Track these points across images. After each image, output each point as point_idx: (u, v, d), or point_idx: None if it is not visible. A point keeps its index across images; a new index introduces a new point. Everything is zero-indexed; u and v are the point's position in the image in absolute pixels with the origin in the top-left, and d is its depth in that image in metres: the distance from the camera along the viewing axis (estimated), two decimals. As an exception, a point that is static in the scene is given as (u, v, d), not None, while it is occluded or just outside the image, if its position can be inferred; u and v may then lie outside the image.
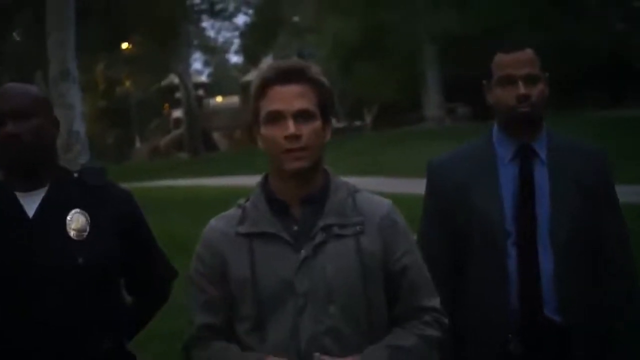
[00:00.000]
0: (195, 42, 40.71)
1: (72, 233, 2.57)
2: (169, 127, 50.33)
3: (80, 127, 15.60)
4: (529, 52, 2.91)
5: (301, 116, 2.39)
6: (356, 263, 2.40)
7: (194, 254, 2.50)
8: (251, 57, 44.30)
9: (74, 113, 15.43)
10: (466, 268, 2.92)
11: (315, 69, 2.46)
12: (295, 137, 2.37)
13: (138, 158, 46.13)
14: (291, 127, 2.37)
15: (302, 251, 2.39)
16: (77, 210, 2.59)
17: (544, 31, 23.43)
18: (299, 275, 2.38)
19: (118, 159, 43.54)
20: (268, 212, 2.43)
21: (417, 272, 2.48)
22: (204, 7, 38.27)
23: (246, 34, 42.67)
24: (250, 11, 41.67)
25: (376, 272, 2.43)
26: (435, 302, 2.50)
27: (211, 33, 43.93)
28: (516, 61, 2.88)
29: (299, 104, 2.40)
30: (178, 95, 43.82)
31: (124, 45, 31.15)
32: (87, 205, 2.61)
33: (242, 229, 2.44)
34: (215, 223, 2.50)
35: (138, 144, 51.45)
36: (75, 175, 2.67)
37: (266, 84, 2.43)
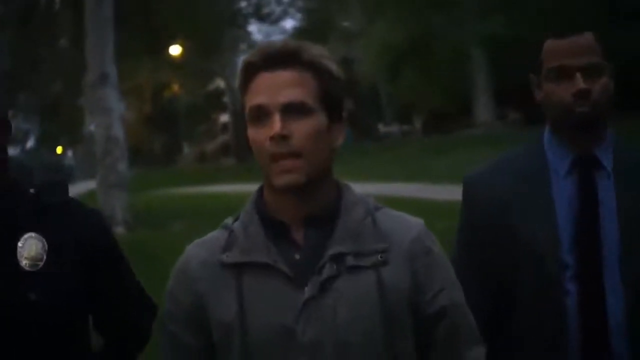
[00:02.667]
0: (242, 46, 40.38)
1: (24, 262, 2.07)
2: (217, 132, 50.12)
3: (119, 132, 15.35)
4: (588, 37, 2.28)
5: (292, 111, 1.85)
6: (377, 304, 1.85)
7: (166, 291, 1.98)
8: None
9: (113, 118, 15.18)
10: (511, 314, 2.32)
11: (316, 50, 1.90)
12: (282, 137, 1.83)
13: (185, 164, 45.92)
14: (276, 124, 1.83)
15: (306, 288, 1.85)
16: (31, 234, 2.09)
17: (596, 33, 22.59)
18: (301, 321, 1.84)
19: (165, 164, 43.40)
20: (262, 236, 1.88)
21: (458, 314, 1.93)
22: (250, 10, 37.97)
23: (294, 38, 42.33)
24: (299, 15, 41.39)
25: (403, 315, 1.88)
26: (480, 353, 1.95)
27: (258, 37, 43.72)
28: (573, 48, 2.26)
29: (288, 95, 1.84)
30: (226, 99, 43.62)
31: (170, 50, 30.87)
32: (44, 228, 2.11)
33: (228, 258, 1.89)
34: (194, 250, 1.96)
35: (186, 150, 51.30)
36: (31, 191, 2.17)
37: (250, 72, 1.88)
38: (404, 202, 14.51)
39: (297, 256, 1.88)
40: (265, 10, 38.52)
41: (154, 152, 47.77)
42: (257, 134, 1.87)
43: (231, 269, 1.89)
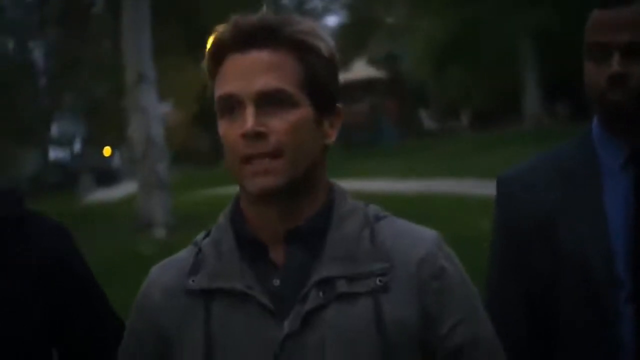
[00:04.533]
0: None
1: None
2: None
3: (158, 132, 15.13)
4: (638, 9, 1.88)
5: (269, 102, 1.51)
6: (375, 341, 1.48)
7: (127, 323, 1.65)
8: (342, 59, 43.55)
9: (151, 118, 14.96)
10: (553, 343, 1.90)
11: (301, 25, 1.55)
12: (257, 135, 1.50)
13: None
14: (249, 119, 1.50)
15: (286, 322, 1.50)
16: (-21, 253, 1.78)
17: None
18: None
19: (212, 164, 43.34)
20: (236, 257, 1.54)
21: (484, 352, 1.53)
22: (292, 6, 37.73)
23: (338, 34, 42.03)
24: (342, 11, 41.03)
25: (409, 356, 1.50)
26: None
27: (302, 34, 43.38)
28: (615, 21, 1.87)
29: (263, 82, 1.50)
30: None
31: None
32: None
33: (195, 284, 1.55)
34: (156, 274, 1.62)
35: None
36: None
37: (219, 52, 1.54)
38: (450, 200, 14.14)
39: (277, 281, 1.53)
40: (308, 6, 38.23)
41: (200, 151, 47.75)
42: (228, 130, 1.52)
43: (198, 297, 1.54)
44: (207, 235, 1.61)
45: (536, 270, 1.89)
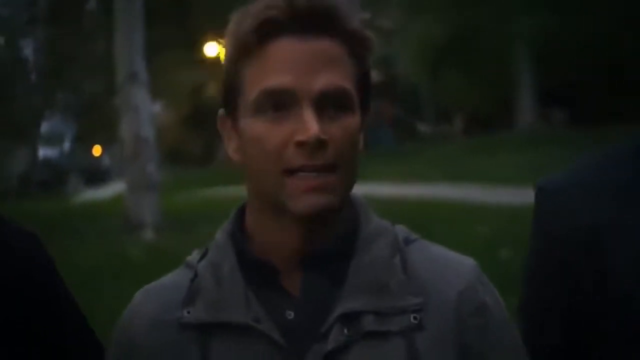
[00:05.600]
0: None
1: None
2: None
3: (148, 132, 14.89)
4: None
5: (328, 103, 1.26)
6: None
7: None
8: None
9: (142, 117, 14.71)
10: None
11: (357, 13, 1.29)
12: (320, 143, 1.24)
13: (220, 164, 45.57)
14: (311, 123, 1.23)
15: None
16: None
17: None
18: None
19: (204, 164, 43.08)
20: (240, 283, 1.29)
21: None
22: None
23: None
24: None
25: None
26: None
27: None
28: None
29: (328, 79, 1.25)
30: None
31: (205, 49, 30.42)
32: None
33: (190, 316, 1.30)
34: (141, 301, 1.36)
35: (223, 149, 51.03)
36: None
37: (266, 32, 1.26)
38: (446, 205, 13.92)
39: (291, 314, 1.29)
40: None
41: (192, 152, 47.50)
42: (269, 132, 1.25)
43: (194, 331, 1.29)
44: (203, 256, 1.35)
45: (581, 294, 1.60)
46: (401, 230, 1.36)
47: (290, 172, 1.24)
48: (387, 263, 1.30)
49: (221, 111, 1.35)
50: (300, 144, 1.23)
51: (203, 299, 1.30)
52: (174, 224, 14.37)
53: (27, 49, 31.41)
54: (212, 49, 31.93)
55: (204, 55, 32.25)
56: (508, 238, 9.05)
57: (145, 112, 14.41)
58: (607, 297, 1.56)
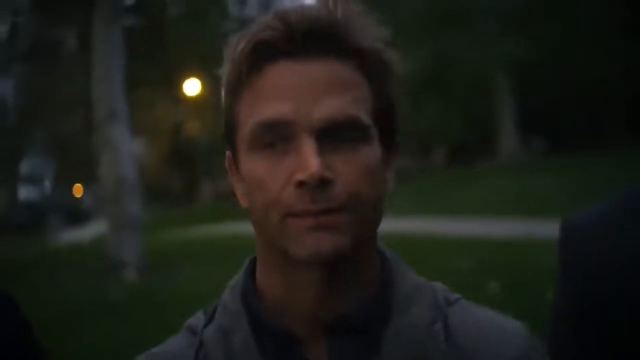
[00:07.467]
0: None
1: None
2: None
3: (130, 171, 14.72)
4: None
5: (335, 135, 1.06)
6: None
7: None
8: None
9: (122, 156, 14.55)
10: None
11: (375, 31, 1.12)
12: (322, 182, 1.04)
13: (203, 202, 45.29)
14: (310, 158, 1.04)
15: None
16: None
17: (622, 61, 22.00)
18: None
19: (185, 203, 42.80)
20: (254, 353, 1.10)
21: None
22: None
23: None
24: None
25: None
26: None
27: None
28: None
29: (332, 106, 1.06)
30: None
31: (185, 87, 30.28)
32: None
33: None
34: None
35: (205, 187, 50.79)
36: None
37: (261, 56, 1.08)
38: (426, 240, 13.69)
39: None
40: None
41: (174, 190, 47.25)
42: (267, 171, 1.07)
43: None
44: (209, 320, 1.16)
45: (615, 343, 1.45)
46: (441, 289, 1.18)
47: (298, 216, 1.06)
48: (428, 329, 1.11)
49: (228, 152, 1.17)
50: (299, 185, 1.04)
51: None
52: (157, 264, 14.20)
53: (5, 88, 31.24)
54: (192, 87, 31.86)
55: (184, 94, 32.17)
56: (493, 271, 8.92)
57: (125, 150, 14.24)
58: None
